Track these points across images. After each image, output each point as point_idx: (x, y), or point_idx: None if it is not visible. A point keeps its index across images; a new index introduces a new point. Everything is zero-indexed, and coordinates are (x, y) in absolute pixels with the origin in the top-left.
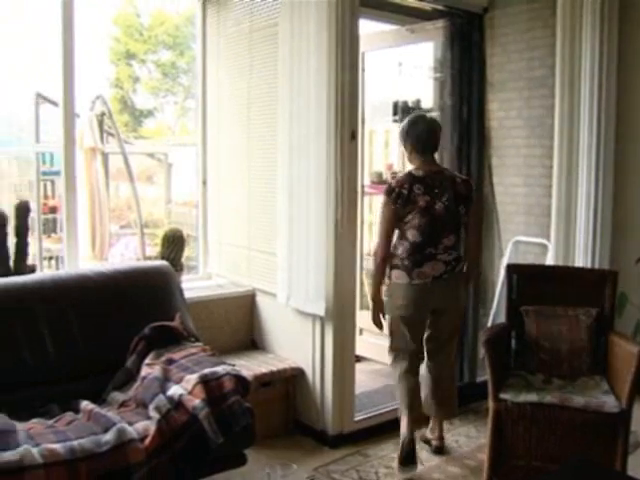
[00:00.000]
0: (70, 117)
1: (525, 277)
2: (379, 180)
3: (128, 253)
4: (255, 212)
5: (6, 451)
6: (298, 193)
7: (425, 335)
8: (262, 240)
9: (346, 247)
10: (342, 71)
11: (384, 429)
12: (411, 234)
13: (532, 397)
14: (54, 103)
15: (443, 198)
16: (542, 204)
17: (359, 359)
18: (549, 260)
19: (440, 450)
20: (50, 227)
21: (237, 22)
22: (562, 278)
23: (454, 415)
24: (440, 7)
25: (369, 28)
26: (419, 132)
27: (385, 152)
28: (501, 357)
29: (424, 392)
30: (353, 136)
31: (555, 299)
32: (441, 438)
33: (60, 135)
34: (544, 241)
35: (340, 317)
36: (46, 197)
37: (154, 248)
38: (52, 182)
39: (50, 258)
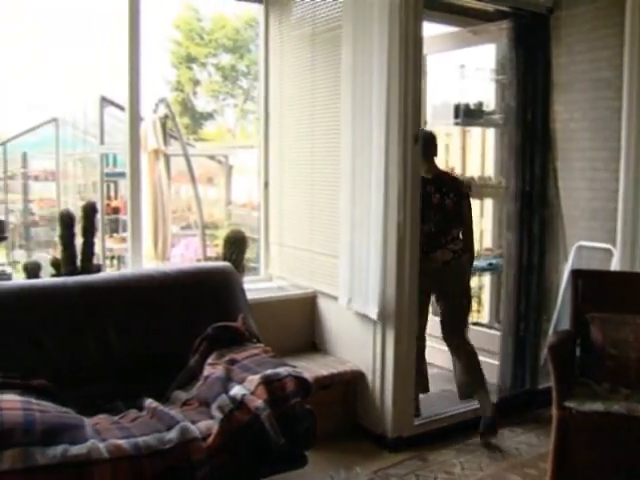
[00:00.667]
0: (135, 120)
1: (591, 283)
2: None
3: (188, 254)
4: (317, 214)
5: (75, 445)
6: (360, 196)
7: (440, 320)
8: (324, 242)
9: (408, 250)
10: (405, 74)
11: (444, 434)
12: (427, 226)
13: (598, 406)
14: (118, 106)
15: (450, 195)
16: (607, 208)
17: None
18: (614, 266)
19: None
20: (112, 227)
21: (299, 25)
22: (629, 284)
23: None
24: (504, 8)
25: (430, 31)
26: (422, 143)
27: (446, 155)
28: (566, 364)
29: (460, 378)
30: (416, 139)
31: (621, 306)
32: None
33: (125, 137)
34: (609, 246)
35: (401, 321)
36: (109, 198)
37: (214, 249)
38: (115, 183)
39: (112, 258)
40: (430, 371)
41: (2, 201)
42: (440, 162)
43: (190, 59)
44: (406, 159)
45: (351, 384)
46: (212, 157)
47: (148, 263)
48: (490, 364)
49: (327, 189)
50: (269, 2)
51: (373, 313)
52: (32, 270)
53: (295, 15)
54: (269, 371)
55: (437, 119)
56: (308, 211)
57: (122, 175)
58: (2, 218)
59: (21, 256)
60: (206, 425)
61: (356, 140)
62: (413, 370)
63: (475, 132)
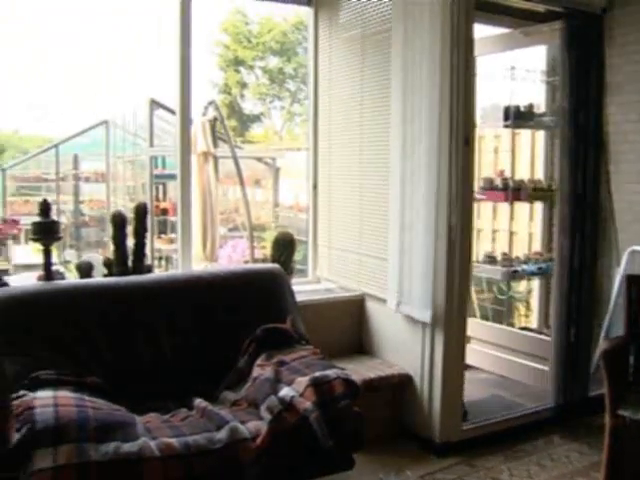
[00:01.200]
0: (186, 123)
1: None
2: (490, 186)
3: (235, 255)
4: (366, 217)
5: (127, 442)
6: (410, 198)
7: None
8: (373, 245)
9: (459, 254)
10: (457, 76)
11: (492, 440)
12: None
13: None
14: (167, 109)
15: None
16: None
17: (466, 367)
18: None
19: None
20: (161, 228)
21: (348, 27)
22: None
23: None
24: (557, 9)
25: (480, 32)
26: None
27: (495, 158)
28: (619, 371)
29: None
30: (467, 142)
31: None
32: None
33: (176, 140)
34: None
35: (450, 324)
36: (157, 199)
37: (261, 251)
38: (164, 185)
39: (160, 258)
40: (478, 376)
41: (54, 202)
42: (488, 165)
43: (237, 62)
44: (457, 162)
45: (398, 387)
46: (259, 159)
47: (196, 264)
48: (540, 370)
49: (376, 191)
50: (318, 5)
51: (426, 316)
52: (85, 270)
53: (344, 17)
54: (318, 373)
55: (486, 121)
56: (357, 213)
57: (171, 177)
58: (57, 219)
59: (71, 256)
60: (255, 426)
61: (406, 142)
62: (462, 374)
63: (525, 134)
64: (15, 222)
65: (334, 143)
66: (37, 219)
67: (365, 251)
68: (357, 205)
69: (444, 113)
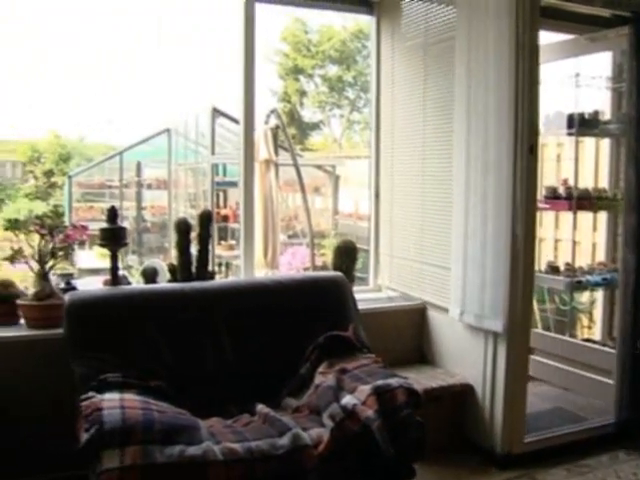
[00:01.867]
0: (250, 131)
1: None
2: (553, 195)
3: (295, 262)
4: (428, 225)
5: (191, 446)
6: (474, 207)
7: None
8: (435, 254)
9: (523, 263)
10: (522, 84)
11: (555, 454)
12: None
13: None
14: (229, 117)
15: None
16: None
17: (528, 379)
18: None
19: None
20: (221, 235)
21: (411, 36)
22: None
23: None
24: (624, 13)
25: (544, 39)
26: None
27: (558, 166)
28: None
29: None
30: (532, 150)
31: None
32: None
33: (240, 148)
34: None
35: (514, 335)
36: (218, 206)
37: (320, 258)
38: (224, 192)
39: (220, 264)
40: (539, 388)
41: (117, 208)
42: (551, 173)
43: (297, 71)
44: (522, 170)
45: (460, 397)
46: (319, 167)
47: (257, 271)
48: (603, 383)
49: (439, 200)
50: (380, 13)
51: (498, 326)
52: (149, 275)
53: (406, 25)
54: (380, 382)
55: (549, 129)
56: (419, 222)
57: (232, 184)
58: (124, 225)
59: (133, 261)
60: (317, 433)
61: (470, 150)
62: (525, 385)
63: (589, 142)
64: (84, 228)
65: (396, 151)
66: (104, 225)
67: (427, 260)
68: (419, 213)
69: (509, 121)
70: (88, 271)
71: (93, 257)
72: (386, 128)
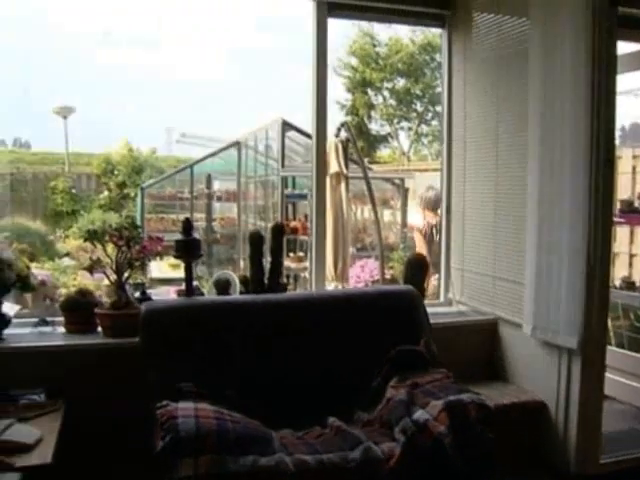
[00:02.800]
0: (322, 145)
1: None
2: (629, 209)
3: (364, 275)
4: (501, 240)
5: (264, 456)
6: (549, 221)
7: None
8: (508, 269)
9: (599, 279)
10: (598, 95)
11: (631, 476)
12: None
13: None
14: (299, 130)
15: None
16: None
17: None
18: None
19: None
20: (290, 247)
21: (483, 48)
22: None
23: None
24: None
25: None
26: None
27: (633, 179)
28: None
29: None
30: (608, 162)
31: None
32: None
33: (312, 162)
34: None
35: (589, 351)
36: (287, 219)
37: (388, 271)
38: (293, 205)
39: (288, 276)
40: (614, 407)
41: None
42: (626, 186)
43: (365, 84)
44: (598, 183)
45: (532, 415)
46: (387, 180)
47: (327, 284)
48: None
49: (512, 213)
50: (452, 26)
51: (572, 342)
52: (222, 286)
53: (478, 37)
54: (452, 397)
55: (625, 141)
56: (491, 236)
57: (301, 197)
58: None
59: (203, 272)
60: (388, 447)
61: (544, 163)
62: (601, 404)
63: None
64: (159, 239)
65: (468, 164)
66: (177, 236)
67: (499, 274)
68: (492, 227)
69: (585, 133)
70: (158, 281)
71: (163, 267)
72: (457, 141)
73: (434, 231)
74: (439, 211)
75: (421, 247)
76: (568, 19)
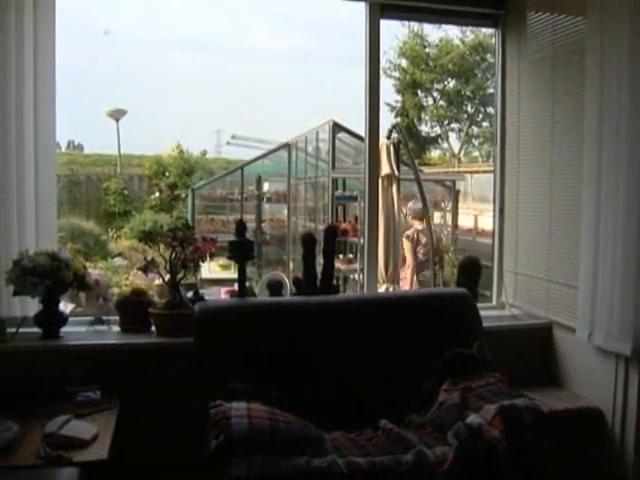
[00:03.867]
0: (374, 147)
1: None
2: None
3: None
4: (556, 243)
5: (316, 458)
6: (604, 224)
7: None
8: (563, 272)
9: None
10: None
11: None
12: None
13: None
14: (350, 132)
15: None
16: None
17: None
18: None
19: None
20: (340, 249)
21: (538, 47)
22: None
23: None
24: None
25: None
26: None
27: None
28: None
29: None
30: None
31: None
32: None
33: (365, 164)
34: None
35: None
36: (337, 220)
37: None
38: (344, 206)
39: (337, 278)
40: None
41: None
42: None
43: (415, 85)
44: None
45: (587, 422)
46: (438, 182)
47: (379, 286)
48: None
49: (567, 216)
50: (506, 26)
51: (626, 349)
52: (275, 288)
53: (533, 37)
54: (506, 402)
55: None
56: (546, 239)
57: (351, 199)
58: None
59: (253, 273)
60: (441, 451)
61: (602, 165)
62: None
63: None
64: (213, 241)
65: (522, 166)
66: (230, 237)
67: (554, 277)
68: (546, 230)
69: None
70: (208, 281)
71: (212, 268)
72: (511, 142)
73: (420, 236)
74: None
75: (408, 252)
76: (627, 19)
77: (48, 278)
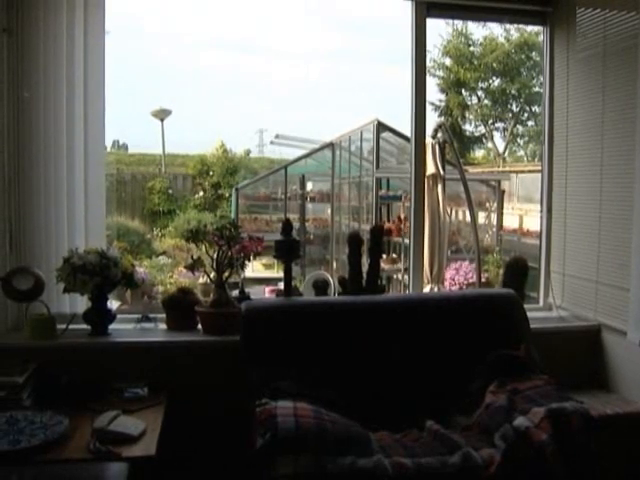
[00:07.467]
0: (420, 146)
1: None
2: None
3: (459, 278)
4: (606, 244)
5: (362, 457)
6: None
7: None
8: (613, 273)
9: None
10: None
11: None
12: None
13: None
14: (395, 131)
15: None
16: None
17: None
18: None
19: None
20: (384, 249)
21: (588, 46)
22: None
23: None
24: None
25: None
26: None
27: None
28: None
29: None
30: None
31: None
32: None
33: (411, 164)
34: None
35: None
36: (381, 220)
37: (483, 274)
38: (388, 206)
39: (381, 278)
40: None
41: (281, 220)
42: None
43: (459, 84)
44: None
45: (638, 427)
46: (483, 181)
47: (424, 286)
48: None
49: (617, 217)
50: (554, 24)
51: None
52: (321, 287)
53: (582, 35)
54: (555, 405)
55: None
56: (595, 240)
57: (395, 198)
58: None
59: (296, 272)
60: (488, 453)
61: None
62: None
63: None
64: (260, 240)
65: (570, 166)
66: (276, 237)
67: (604, 279)
68: (595, 230)
69: None
70: (251, 280)
71: (256, 267)
72: (559, 142)
73: None
74: None
75: None
76: None
77: (97, 276)
